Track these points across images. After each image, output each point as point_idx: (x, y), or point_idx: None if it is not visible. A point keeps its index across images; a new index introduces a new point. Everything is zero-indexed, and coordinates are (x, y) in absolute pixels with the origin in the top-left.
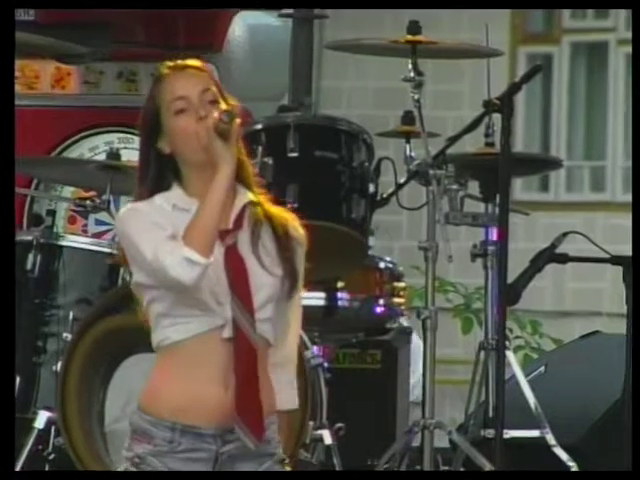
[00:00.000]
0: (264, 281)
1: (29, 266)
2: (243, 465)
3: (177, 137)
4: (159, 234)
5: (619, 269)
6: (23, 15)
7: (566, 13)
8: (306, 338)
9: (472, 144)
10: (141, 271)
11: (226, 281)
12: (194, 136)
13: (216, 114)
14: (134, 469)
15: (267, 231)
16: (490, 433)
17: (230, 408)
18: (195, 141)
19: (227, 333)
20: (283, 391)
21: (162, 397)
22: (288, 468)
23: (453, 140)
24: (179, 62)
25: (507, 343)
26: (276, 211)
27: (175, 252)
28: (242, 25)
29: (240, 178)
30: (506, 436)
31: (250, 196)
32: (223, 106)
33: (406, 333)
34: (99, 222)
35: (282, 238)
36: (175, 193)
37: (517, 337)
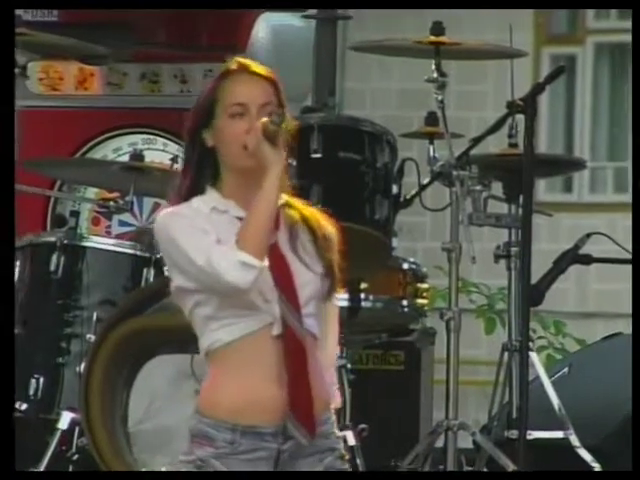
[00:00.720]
0: (307, 278)
1: (53, 267)
2: (304, 461)
3: (224, 139)
4: (207, 239)
5: None
6: (47, 16)
7: (590, 14)
8: None
9: (495, 145)
10: (184, 275)
11: (271, 279)
12: (241, 144)
13: (265, 117)
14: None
15: (304, 231)
16: (514, 434)
17: (286, 405)
18: (240, 149)
19: (277, 330)
20: None
21: (219, 400)
22: (347, 465)
23: (477, 141)
24: (249, 64)
25: (530, 344)
26: (309, 212)
27: (229, 256)
28: (266, 26)
29: None
30: (530, 437)
31: (284, 197)
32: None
33: (429, 334)
34: (123, 223)
35: (320, 239)
36: (211, 196)
37: (540, 337)
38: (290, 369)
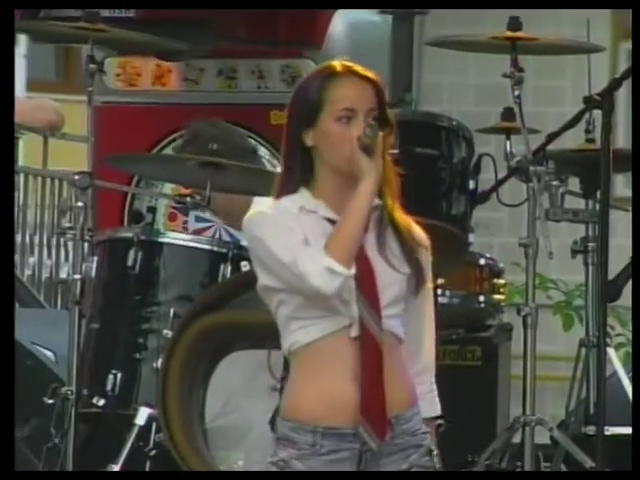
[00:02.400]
0: (391, 280)
1: (130, 263)
2: (389, 460)
3: (330, 141)
4: (293, 239)
5: None
6: (124, 12)
7: None
8: None
9: (573, 140)
10: (269, 273)
11: (352, 281)
12: (342, 146)
13: (360, 130)
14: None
15: (391, 233)
16: (591, 430)
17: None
18: (340, 151)
19: (355, 332)
20: (423, 401)
21: (299, 402)
22: (436, 460)
23: (553, 136)
24: (356, 66)
25: (608, 340)
26: (399, 216)
27: (316, 260)
28: (342, 21)
29: None
30: (607, 433)
31: (375, 200)
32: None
33: (506, 330)
34: (199, 219)
35: (408, 242)
36: (302, 195)
37: (618, 335)
38: (365, 373)
